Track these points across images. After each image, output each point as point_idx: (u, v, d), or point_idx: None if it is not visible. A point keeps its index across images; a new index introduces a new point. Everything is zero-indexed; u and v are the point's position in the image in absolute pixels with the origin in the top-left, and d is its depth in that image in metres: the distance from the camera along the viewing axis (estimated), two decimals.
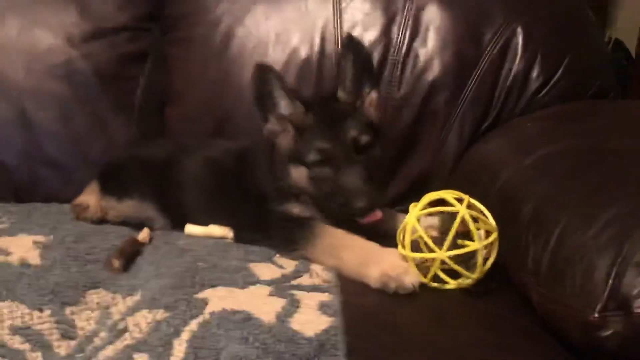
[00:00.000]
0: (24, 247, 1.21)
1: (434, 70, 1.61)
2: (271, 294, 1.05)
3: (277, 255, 1.25)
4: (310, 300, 1.02)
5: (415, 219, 1.12)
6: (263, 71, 1.28)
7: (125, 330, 0.95)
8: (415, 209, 1.15)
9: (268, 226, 1.30)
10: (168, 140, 1.64)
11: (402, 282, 1.08)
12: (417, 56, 1.62)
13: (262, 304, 1.01)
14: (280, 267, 1.19)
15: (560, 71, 1.61)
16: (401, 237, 1.15)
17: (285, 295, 1.05)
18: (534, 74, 1.61)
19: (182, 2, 1.75)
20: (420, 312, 1.08)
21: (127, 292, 1.12)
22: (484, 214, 1.13)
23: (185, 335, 0.91)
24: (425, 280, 1.11)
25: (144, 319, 0.97)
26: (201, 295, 1.04)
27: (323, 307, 1.00)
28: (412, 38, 1.62)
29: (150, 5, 1.78)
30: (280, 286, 1.09)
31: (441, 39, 1.61)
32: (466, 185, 1.23)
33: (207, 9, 1.70)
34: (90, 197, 1.49)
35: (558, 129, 1.43)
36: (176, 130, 1.70)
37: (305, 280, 1.13)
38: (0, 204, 1.54)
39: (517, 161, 1.34)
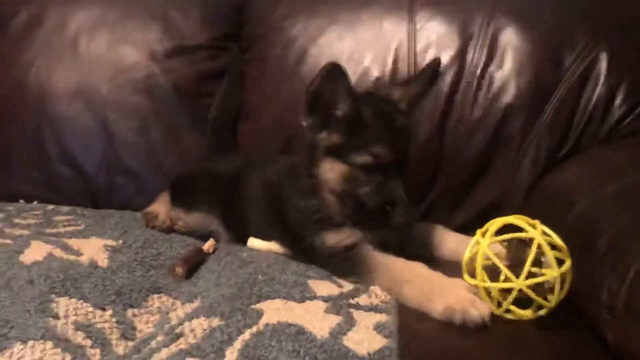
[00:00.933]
0: (94, 249, 1.25)
1: (510, 94, 1.56)
2: (327, 311, 1.03)
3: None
4: (366, 320, 1.00)
5: (487, 246, 1.07)
6: (335, 68, 1.19)
7: (181, 335, 0.96)
8: (487, 234, 1.09)
9: (315, 256, 1.28)
10: (238, 155, 1.66)
11: (469, 315, 1.01)
12: (492, 79, 1.58)
13: (317, 320, 0.99)
14: (339, 285, 1.17)
15: None
16: (467, 264, 1.10)
17: (342, 312, 1.02)
18: (618, 101, 1.53)
19: (259, 23, 1.81)
20: (487, 343, 1.01)
21: (186, 299, 1.14)
22: (554, 241, 1.07)
23: (238, 344, 0.91)
24: (497, 312, 1.05)
25: (200, 326, 0.98)
26: (257, 306, 1.03)
27: (379, 327, 0.97)
28: (488, 60, 1.59)
29: (229, 26, 1.85)
30: (337, 303, 1.07)
31: (518, 61, 1.57)
32: (538, 214, 1.16)
33: (283, 29, 1.75)
34: (161, 207, 1.53)
35: None
36: (248, 145, 1.73)
37: (363, 299, 1.10)
38: (78, 209, 1.62)
39: (595, 190, 1.26)
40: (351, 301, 1.09)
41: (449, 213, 1.58)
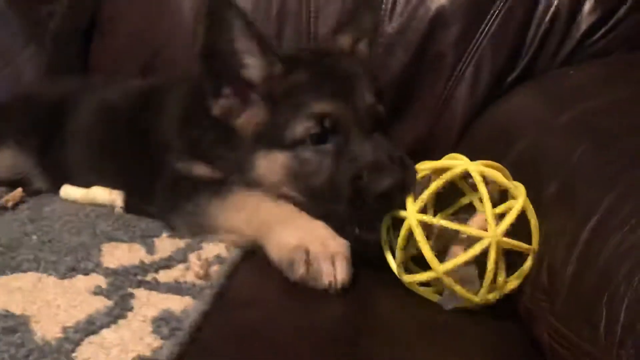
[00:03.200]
0: None
1: None
2: (97, 291, 0.65)
3: (165, 234, 0.85)
4: (151, 307, 0.62)
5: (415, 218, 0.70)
6: (221, 9, 0.81)
7: None
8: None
9: (165, 186, 0.90)
10: (75, 78, 1.26)
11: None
12: None
13: (68, 306, 0.61)
14: (150, 251, 0.78)
15: (625, 6, 1.12)
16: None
17: (117, 294, 0.64)
18: (586, 7, 1.13)
19: None
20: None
21: None
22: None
23: None
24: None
25: None
26: None
27: (161, 321, 0.59)
28: None
29: None
30: (123, 280, 0.68)
31: None
32: (474, 157, 0.77)
33: None
34: None
35: (613, 78, 0.97)
36: (101, 66, 1.33)
37: (172, 273, 0.72)
38: None
39: (547, 120, 0.91)
40: (146, 277, 0.70)
41: None
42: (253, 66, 0.84)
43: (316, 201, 0.81)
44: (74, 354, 0.53)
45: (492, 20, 1.15)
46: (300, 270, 0.70)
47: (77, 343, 0.54)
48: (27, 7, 1.33)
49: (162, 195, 0.89)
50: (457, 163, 0.75)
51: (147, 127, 0.97)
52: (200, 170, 0.88)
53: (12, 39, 1.32)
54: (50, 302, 0.61)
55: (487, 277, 0.67)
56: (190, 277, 0.70)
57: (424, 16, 1.17)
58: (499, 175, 0.72)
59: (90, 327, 0.56)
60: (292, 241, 0.72)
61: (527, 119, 0.99)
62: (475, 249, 0.67)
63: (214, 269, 0.72)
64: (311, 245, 0.71)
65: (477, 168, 0.72)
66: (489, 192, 0.70)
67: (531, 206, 0.71)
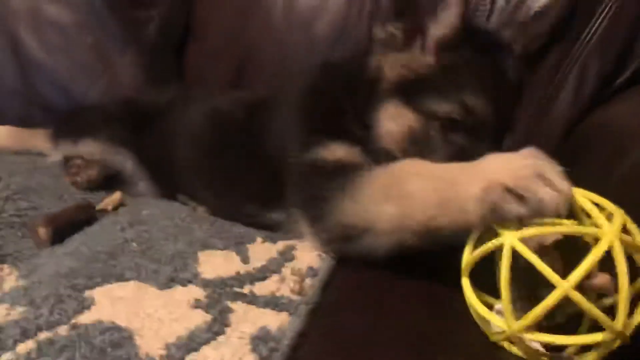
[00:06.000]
0: None
1: None
2: (196, 305, 0.65)
3: (260, 239, 0.85)
4: (248, 323, 0.62)
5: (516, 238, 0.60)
6: None
7: None
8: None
9: (287, 187, 0.87)
10: (176, 87, 1.28)
11: (534, 192, 0.60)
12: None
13: (168, 319, 0.61)
14: (244, 259, 0.78)
15: None
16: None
17: (216, 308, 0.64)
18: None
19: None
20: None
21: (27, 272, 0.78)
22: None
23: (22, 348, 0.56)
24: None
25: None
26: (93, 292, 0.67)
27: (259, 340, 0.58)
28: None
29: None
30: (221, 292, 0.68)
31: None
32: (575, 165, 0.71)
33: None
34: None
35: None
36: (195, 68, 1.37)
37: (268, 285, 0.71)
38: None
39: None
40: (242, 289, 0.69)
41: None
42: (442, 20, 0.81)
43: None
44: None
45: (599, 19, 1.08)
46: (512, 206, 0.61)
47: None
48: (126, 11, 1.37)
49: (295, 196, 0.85)
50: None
51: (262, 135, 0.97)
52: (329, 151, 0.82)
53: (111, 42, 1.37)
54: (152, 314, 0.62)
55: None
56: (285, 291, 0.69)
57: (522, 16, 1.11)
58: None
59: (191, 343, 0.56)
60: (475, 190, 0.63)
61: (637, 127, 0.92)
62: None
63: (308, 282, 0.72)
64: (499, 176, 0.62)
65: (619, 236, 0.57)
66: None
67: None
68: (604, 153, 0.90)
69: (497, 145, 0.79)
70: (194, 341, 0.57)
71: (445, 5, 0.80)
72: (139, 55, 1.36)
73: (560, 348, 0.61)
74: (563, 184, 0.60)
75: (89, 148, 1.13)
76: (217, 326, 0.60)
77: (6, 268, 0.85)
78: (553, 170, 0.61)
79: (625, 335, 0.57)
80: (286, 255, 0.79)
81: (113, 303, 0.64)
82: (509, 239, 0.58)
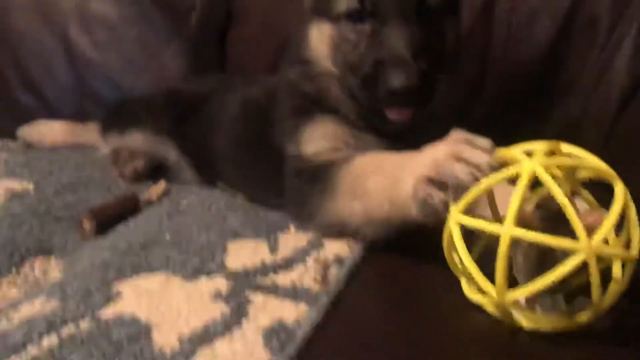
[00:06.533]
0: None
1: None
2: (217, 297, 0.65)
3: (293, 226, 0.85)
4: (265, 315, 0.61)
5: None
6: None
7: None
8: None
9: (287, 179, 0.91)
10: (217, 76, 1.30)
11: (450, 175, 0.62)
12: None
13: (188, 312, 0.62)
14: (273, 248, 0.77)
15: None
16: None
17: (235, 300, 0.64)
18: None
19: None
20: None
21: (69, 265, 0.83)
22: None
23: (46, 342, 0.58)
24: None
25: (29, 309, 0.66)
26: (122, 285, 0.69)
27: (273, 333, 0.57)
28: None
29: None
30: (243, 282, 0.68)
31: None
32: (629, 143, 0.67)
33: None
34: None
35: None
36: (237, 56, 1.37)
37: (291, 275, 0.70)
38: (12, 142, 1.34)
39: None
40: (265, 279, 0.68)
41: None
42: None
43: (346, 78, 0.84)
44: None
45: None
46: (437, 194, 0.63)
47: (188, 356, 0.54)
48: (167, 1, 1.39)
49: (287, 190, 0.89)
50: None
51: (273, 118, 0.97)
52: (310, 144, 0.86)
53: (155, 34, 1.39)
54: (173, 306, 0.63)
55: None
56: (307, 281, 0.68)
57: None
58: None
59: (205, 336, 0.57)
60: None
61: None
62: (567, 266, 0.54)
63: (333, 272, 0.70)
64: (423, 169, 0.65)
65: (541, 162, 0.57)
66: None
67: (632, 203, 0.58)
68: None
69: None
70: (208, 334, 0.57)
71: None
72: (183, 45, 1.38)
73: None
74: (477, 155, 0.62)
75: (135, 139, 1.17)
76: (234, 318, 0.60)
77: (52, 260, 0.90)
78: (470, 147, 0.63)
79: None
80: (315, 244, 0.78)
81: (138, 296, 0.66)
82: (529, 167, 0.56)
